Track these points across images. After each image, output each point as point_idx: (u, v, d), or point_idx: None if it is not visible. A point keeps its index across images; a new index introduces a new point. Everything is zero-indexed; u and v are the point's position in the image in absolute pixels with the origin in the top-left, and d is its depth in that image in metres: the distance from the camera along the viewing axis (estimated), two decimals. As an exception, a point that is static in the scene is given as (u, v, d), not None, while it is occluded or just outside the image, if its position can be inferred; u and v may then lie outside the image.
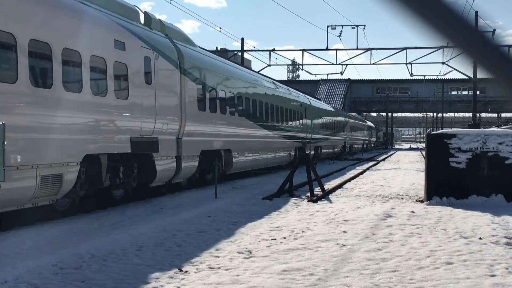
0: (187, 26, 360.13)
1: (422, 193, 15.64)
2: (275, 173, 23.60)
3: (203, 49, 20.64)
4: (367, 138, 70.25)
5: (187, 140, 14.59)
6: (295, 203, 13.73)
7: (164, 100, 13.36)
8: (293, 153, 28.24)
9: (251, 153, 20.87)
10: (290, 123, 27.60)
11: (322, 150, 37.27)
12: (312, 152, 32.91)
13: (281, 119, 25.68)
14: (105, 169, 11.22)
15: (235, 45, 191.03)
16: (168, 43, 14.19)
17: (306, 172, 16.14)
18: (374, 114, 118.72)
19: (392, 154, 58.77)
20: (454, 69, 43.95)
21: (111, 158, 11.47)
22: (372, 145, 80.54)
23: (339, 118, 46.45)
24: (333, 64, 47.05)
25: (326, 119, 39.07)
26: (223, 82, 17.90)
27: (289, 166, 27.21)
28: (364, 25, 43.92)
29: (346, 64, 47.57)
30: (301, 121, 30.41)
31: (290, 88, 30.61)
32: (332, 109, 46.15)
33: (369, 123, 77.01)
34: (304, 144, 30.91)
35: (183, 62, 14.52)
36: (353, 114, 65.79)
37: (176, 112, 14.04)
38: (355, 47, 44.17)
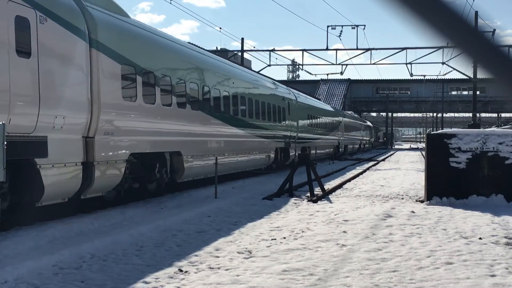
0: (186, 26, 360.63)
1: (422, 193, 15.65)
2: (275, 173, 23.57)
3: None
4: (364, 139, 67.95)
5: (104, 140, 10.84)
6: (295, 203, 13.74)
7: (57, 82, 9.46)
8: (273, 155, 24.45)
9: (212, 156, 16.06)
10: (268, 119, 23.59)
11: (311, 151, 32.82)
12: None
13: (256, 115, 21.68)
14: None
15: (235, 45, 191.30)
16: (70, 3, 10.12)
17: (306, 172, 16.16)
18: (374, 114, 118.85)
19: (392, 154, 58.76)
20: (454, 69, 44.02)
21: None
22: (371, 146, 79.24)
23: (332, 116, 42.98)
24: (333, 64, 47.07)
25: (316, 117, 35.23)
26: (166, 65, 13.85)
27: (268, 169, 24.84)
28: (364, 25, 43.98)
29: (346, 64, 47.66)
30: (283, 117, 26.31)
31: (270, 80, 27.11)
32: (324, 106, 42.53)
33: (368, 123, 75.70)
34: (288, 144, 27.14)
35: (96, 32, 10.57)
36: (349, 112, 61.85)
37: (81, 100, 10.15)
38: (355, 47, 44.19)
